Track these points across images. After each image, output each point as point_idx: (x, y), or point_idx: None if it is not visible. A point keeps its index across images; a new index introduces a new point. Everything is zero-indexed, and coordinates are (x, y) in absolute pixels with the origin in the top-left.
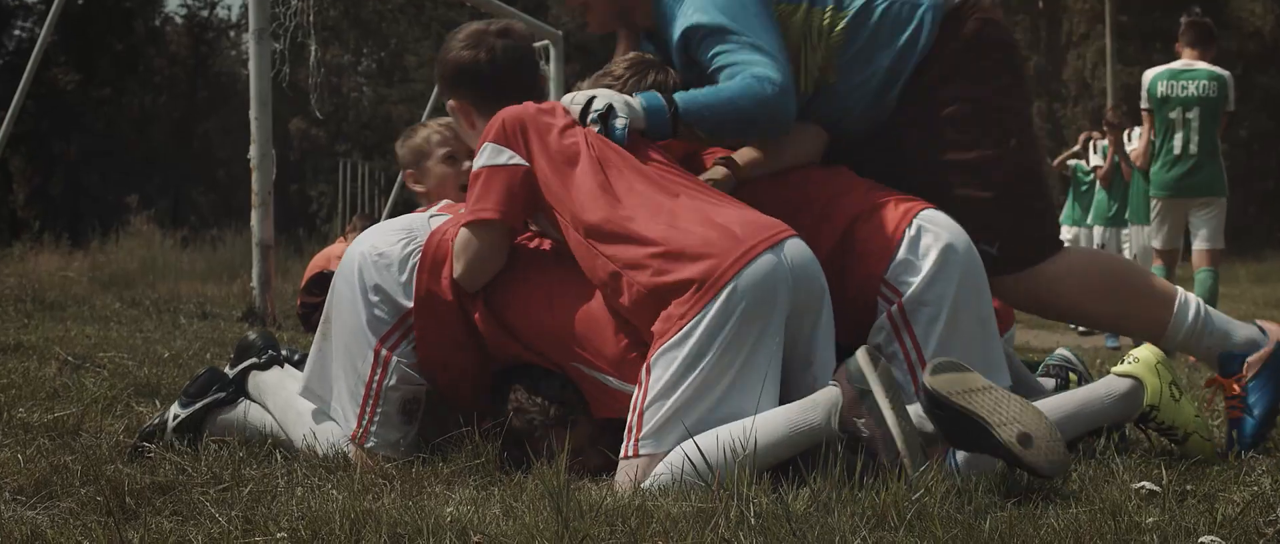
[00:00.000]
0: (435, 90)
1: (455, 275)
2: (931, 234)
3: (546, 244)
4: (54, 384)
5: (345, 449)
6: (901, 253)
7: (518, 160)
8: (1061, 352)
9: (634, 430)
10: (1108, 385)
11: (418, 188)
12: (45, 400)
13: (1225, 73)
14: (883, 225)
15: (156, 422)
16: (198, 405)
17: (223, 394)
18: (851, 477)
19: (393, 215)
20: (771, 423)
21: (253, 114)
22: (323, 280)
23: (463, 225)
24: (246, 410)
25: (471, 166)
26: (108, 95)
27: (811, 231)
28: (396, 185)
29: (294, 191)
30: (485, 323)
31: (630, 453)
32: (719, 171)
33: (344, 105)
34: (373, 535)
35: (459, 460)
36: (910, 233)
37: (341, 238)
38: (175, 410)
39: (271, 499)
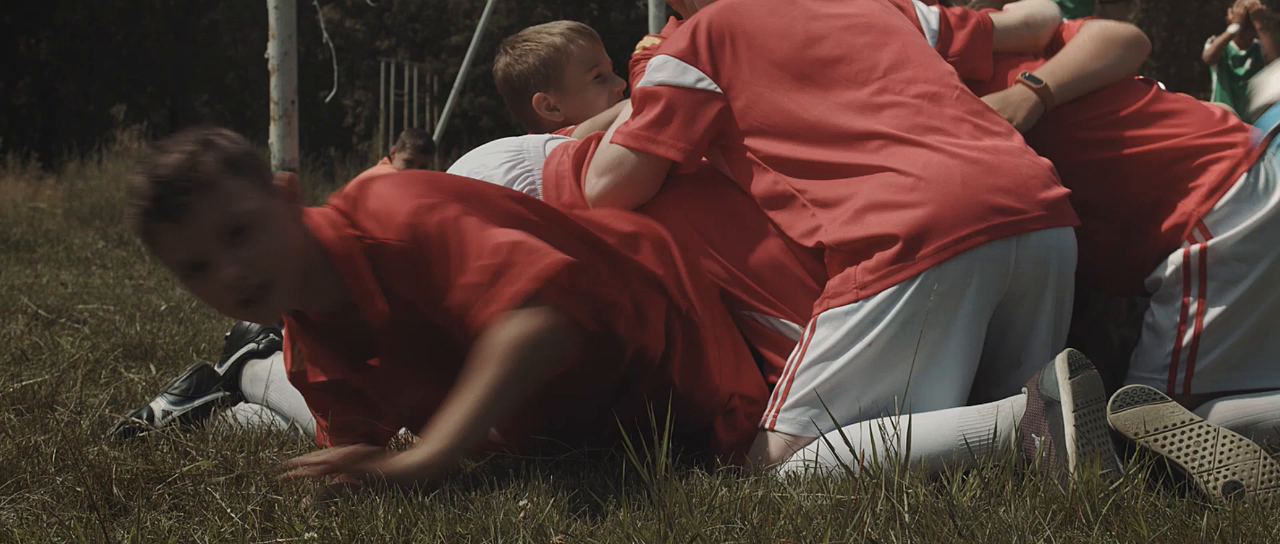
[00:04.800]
0: None
1: (588, 192)
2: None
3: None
4: (21, 345)
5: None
6: (1230, 194)
7: (708, 85)
8: None
9: (779, 398)
10: None
11: (553, 116)
12: (10, 365)
13: None
14: (1216, 161)
15: (141, 416)
16: (196, 403)
17: (220, 394)
18: (1030, 462)
19: (449, 129)
20: (939, 425)
21: (271, 1)
22: None
23: (619, 142)
24: (235, 414)
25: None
26: None
27: (1112, 169)
28: (453, 93)
29: (324, 100)
30: None
31: (769, 424)
32: (1019, 94)
33: None
34: (425, 535)
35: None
36: (1250, 178)
37: (384, 159)
38: (164, 405)
39: (297, 490)
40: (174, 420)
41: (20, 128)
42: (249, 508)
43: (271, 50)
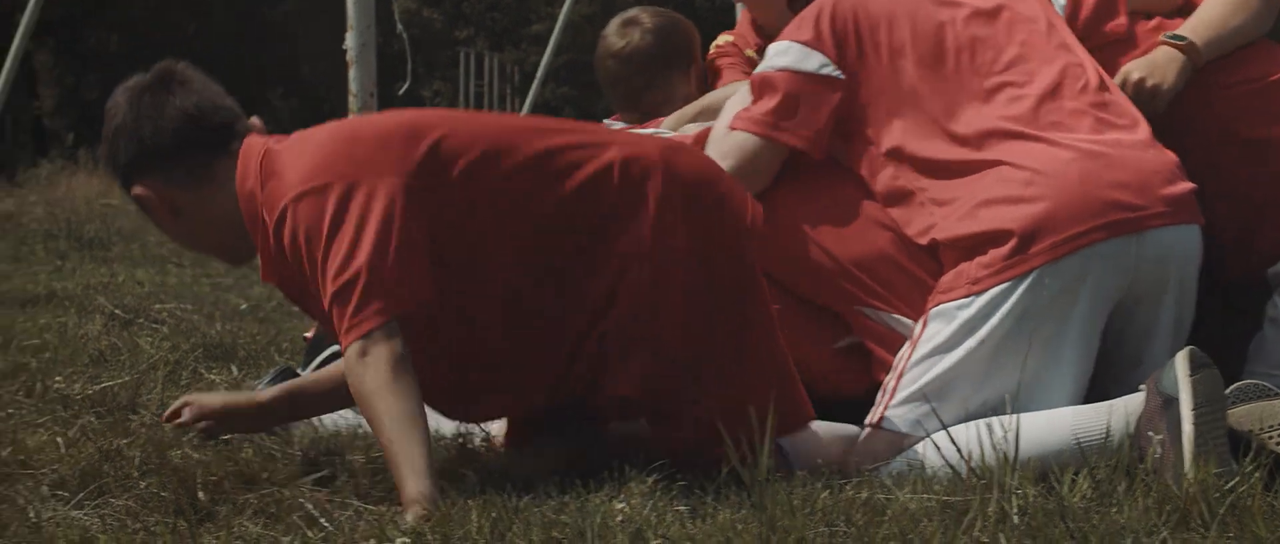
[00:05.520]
0: None
1: None
2: None
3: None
4: (99, 345)
5: (485, 429)
6: None
7: (832, 71)
8: None
9: (888, 394)
10: None
11: (689, 93)
12: (88, 367)
13: None
14: None
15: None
16: None
17: None
18: (1143, 461)
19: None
20: (1050, 423)
21: None
22: None
23: (741, 127)
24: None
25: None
26: None
27: (1263, 148)
28: (536, 83)
29: (401, 91)
30: None
31: (875, 421)
32: (1164, 56)
33: None
34: (521, 540)
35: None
36: None
37: None
38: None
39: (386, 492)
40: None
41: (90, 123)
42: (338, 513)
43: (349, 41)
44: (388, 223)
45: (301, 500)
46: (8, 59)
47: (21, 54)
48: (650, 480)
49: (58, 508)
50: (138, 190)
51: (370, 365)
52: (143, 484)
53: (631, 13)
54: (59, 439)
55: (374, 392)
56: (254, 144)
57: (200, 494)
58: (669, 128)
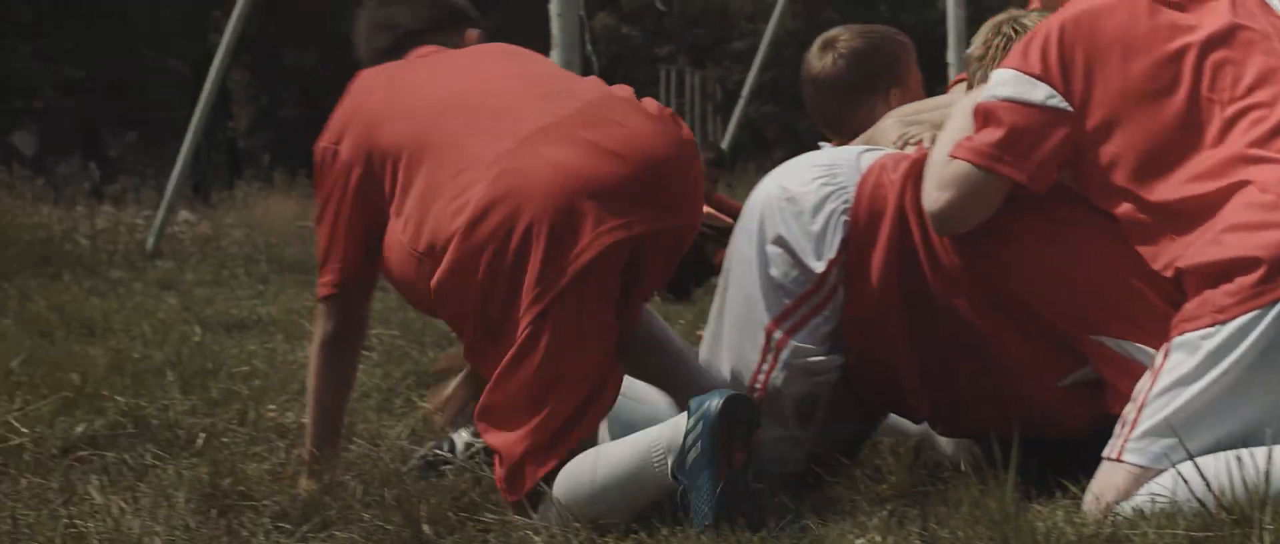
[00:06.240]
0: None
1: (929, 206)
2: None
3: None
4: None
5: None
6: None
7: (1058, 103)
8: None
9: (1128, 427)
10: None
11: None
12: (299, 394)
13: None
14: None
15: (442, 449)
16: None
17: None
18: None
19: (736, 141)
20: None
21: (553, 8)
22: None
23: (962, 157)
24: None
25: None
26: None
27: None
28: (739, 106)
29: None
30: (951, 285)
31: (1116, 454)
32: None
33: None
34: None
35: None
36: None
37: None
38: (467, 437)
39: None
40: (478, 453)
41: (287, 142)
42: (573, 539)
43: (554, 58)
44: None
45: (527, 531)
46: (207, 80)
47: (222, 75)
48: (886, 512)
49: (282, 541)
50: None
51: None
52: (366, 517)
53: (833, 33)
54: (277, 470)
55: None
56: None
57: (425, 527)
58: (862, 144)
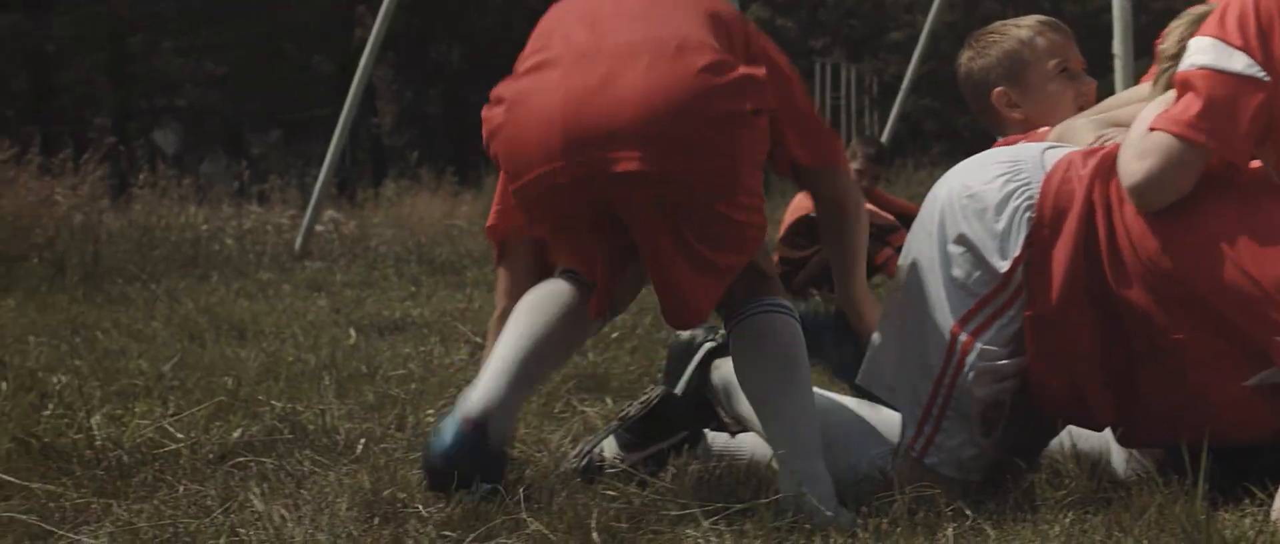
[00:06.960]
0: None
1: (1126, 177)
2: None
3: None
4: (466, 376)
5: (880, 466)
6: None
7: (1255, 71)
8: None
9: None
10: None
11: (1013, 114)
12: (456, 398)
13: None
14: None
15: (589, 458)
16: (648, 452)
17: (680, 438)
18: None
19: (894, 136)
20: None
21: None
22: (806, 227)
23: (1162, 128)
24: (726, 442)
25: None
26: None
27: None
28: (899, 99)
29: None
30: (1135, 283)
31: None
32: None
33: None
34: None
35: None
36: None
37: None
38: (615, 448)
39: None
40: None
41: (432, 139)
42: None
43: None
44: None
45: (701, 542)
46: (355, 77)
47: (369, 71)
48: (1067, 518)
49: None
50: None
51: None
52: (532, 526)
53: (980, 31)
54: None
55: None
56: None
57: (594, 536)
58: (1054, 138)
